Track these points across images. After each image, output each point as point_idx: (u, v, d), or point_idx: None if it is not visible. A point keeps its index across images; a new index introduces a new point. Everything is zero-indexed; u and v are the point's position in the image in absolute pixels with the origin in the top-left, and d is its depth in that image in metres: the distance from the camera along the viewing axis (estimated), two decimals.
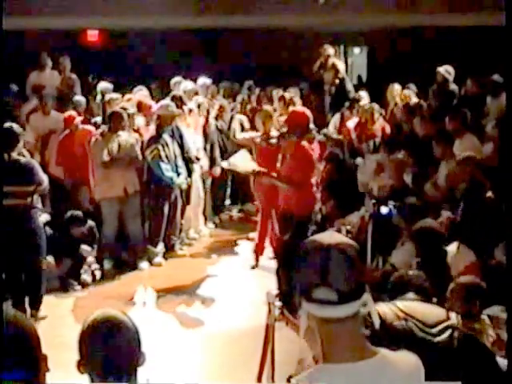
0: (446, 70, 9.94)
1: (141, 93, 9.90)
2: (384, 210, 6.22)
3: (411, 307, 2.76)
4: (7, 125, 6.93)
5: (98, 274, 7.99)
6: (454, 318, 2.84)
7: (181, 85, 9.90)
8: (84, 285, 7.77)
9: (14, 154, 6.61)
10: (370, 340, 2.08)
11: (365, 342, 2.03)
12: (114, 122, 8.15)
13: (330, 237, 2.03)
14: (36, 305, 6.85)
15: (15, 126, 6.85)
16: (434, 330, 2.68)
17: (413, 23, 13.02)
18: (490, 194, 6.02)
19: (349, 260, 1.97)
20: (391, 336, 2.56)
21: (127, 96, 9.88)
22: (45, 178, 6.78)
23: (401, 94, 10.43)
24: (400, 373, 2.00)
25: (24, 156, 7.04)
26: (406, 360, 2.06)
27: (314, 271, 1.95)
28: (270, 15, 12.84)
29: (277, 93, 10.63)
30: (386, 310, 2.71)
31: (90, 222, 8.00)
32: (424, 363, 2.08)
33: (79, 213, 7.88)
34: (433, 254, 5.06)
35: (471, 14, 12.30)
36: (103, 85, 10.13)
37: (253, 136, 8.25)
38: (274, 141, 7.89)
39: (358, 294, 1.97)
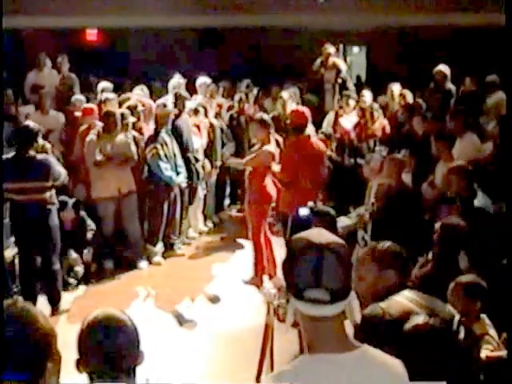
0: (442, 70, 9.95)
1: (138, 92, 9.88)
2: (302, 211, 5.82)
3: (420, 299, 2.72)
4: (25, 123, 7.36)
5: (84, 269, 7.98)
6: (455, 312, 2.83)
7: (170, 83, 9.90)
8: (78, 279, 7.76)
9: (31, 151, 6.85)
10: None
11: (348, 337, 2.07)
12: (108, 121, 8.14)
13: (319, 235, 2.03)
14: (55, 300, 7.02)
15: (32, 124, 7.12)
16: (454, 328, 2.66)
17: (412, 23, 13.03)
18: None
19: (341, 260, 1.98)
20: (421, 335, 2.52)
21: (126, 95, 9.88)
22: (62, 172, 7.04)
23: (400, 93, 10.42)
24: (381, 366, 2.04)
25: (46, 152, 7.31)
26: (387, 356, 2.09)
27: (308, 272, 1.96)
28: (270, 14, 12.84)
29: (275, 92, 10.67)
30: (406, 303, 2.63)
31: (81, 212, 7.99)
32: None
33: (67, 198, 7.88)
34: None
35: (471, 13, 12.30)
36: (104, 84, 10.08)
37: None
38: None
39: (347, 292, 2.01)
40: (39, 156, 6.95)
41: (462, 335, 2.64)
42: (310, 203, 5.87)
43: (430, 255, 5.05)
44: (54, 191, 7.03)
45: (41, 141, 7.18)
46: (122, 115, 8.31)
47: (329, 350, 2.00)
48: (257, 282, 7.51)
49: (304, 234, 2.05)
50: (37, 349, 1.99)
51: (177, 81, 9.87)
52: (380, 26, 13.61)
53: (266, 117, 7.89)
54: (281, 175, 7.02)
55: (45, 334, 2.02)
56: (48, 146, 7.60)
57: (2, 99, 9.29)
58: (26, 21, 12.57)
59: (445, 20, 12.63)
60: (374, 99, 10.40)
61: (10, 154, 6.95)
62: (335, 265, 1.96)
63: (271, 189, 7.53)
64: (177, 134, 8.65)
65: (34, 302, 6.91)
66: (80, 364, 2.33)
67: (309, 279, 1.95)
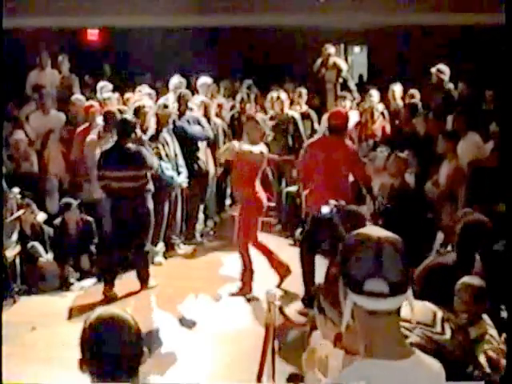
0: (439, 70, 9.95)
1: (144, 91, 9.88)
2: (325, 209, 5.82)
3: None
4: (123, 116, 7.84)
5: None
6: (436, 308, 2.81)
7: (170, 83, 9.89)
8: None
9: (129, 142, 7.36)
10: None
11: (403, 339, 2.08)
12: (108, 121, 8.13)
13: (376, 230, 2.07)
14: (146, 278, 7.58)
15: (129, 117, 7.69)
16: (438, 329, 2.66)
17: (413, 23, 13.02)
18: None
19: (400, 253, 2.01)
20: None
21: (127, 95, 9.89)
22: (154, 162, 7.63)
23: (402, 94, 10.42)
24: (431, 375, 2.05)
25: (142, 144, 7.70)
26: (434, 363, 2.11)
27: (368, 262, 1.98)
28: (270, 14, 12.83)
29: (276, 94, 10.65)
30: None
31: (87, 217, 8.01)
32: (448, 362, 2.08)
33: (72, 200, 7.88)
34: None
35: (471, 13, 12.29)
36: (103, 84, 10.08)
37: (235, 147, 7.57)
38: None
39: (406, 287, 2.01)
40: (134, 147, 7.38)
41: (447, 336, 2.63)
42: (332, 201, 5.87)
43: (450, 247, 5.02)
44: (148, 178, 7.48)
45: (139, 132, 7.62)
46: (120, 111, 8.34)
47: (386, 356, 1.99)
48: (246, 291, 7.40)
49: (362, 230, 2.08)
50: None
51: (177, 81, 9.88)
52: (381, 25, 13.59)
53: (260, 118, 7.88)
54: (298, 173, 7.08)
55: None
56: (145, 138, 7.92)
57: (1, 99, 9.29)
58: (25, 21, 12.56)
59: (445, 20, 12.62)
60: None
61: (109, 145, 7.48)
62: (394, 257, 1.99)
63: (262, 195, 7.46)
64: (178, 133, 8.67)
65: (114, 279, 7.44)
66: (83, 363, 2.33)
67: (369, 269, 1.97)
